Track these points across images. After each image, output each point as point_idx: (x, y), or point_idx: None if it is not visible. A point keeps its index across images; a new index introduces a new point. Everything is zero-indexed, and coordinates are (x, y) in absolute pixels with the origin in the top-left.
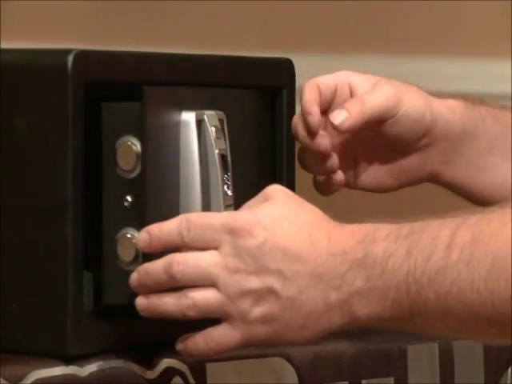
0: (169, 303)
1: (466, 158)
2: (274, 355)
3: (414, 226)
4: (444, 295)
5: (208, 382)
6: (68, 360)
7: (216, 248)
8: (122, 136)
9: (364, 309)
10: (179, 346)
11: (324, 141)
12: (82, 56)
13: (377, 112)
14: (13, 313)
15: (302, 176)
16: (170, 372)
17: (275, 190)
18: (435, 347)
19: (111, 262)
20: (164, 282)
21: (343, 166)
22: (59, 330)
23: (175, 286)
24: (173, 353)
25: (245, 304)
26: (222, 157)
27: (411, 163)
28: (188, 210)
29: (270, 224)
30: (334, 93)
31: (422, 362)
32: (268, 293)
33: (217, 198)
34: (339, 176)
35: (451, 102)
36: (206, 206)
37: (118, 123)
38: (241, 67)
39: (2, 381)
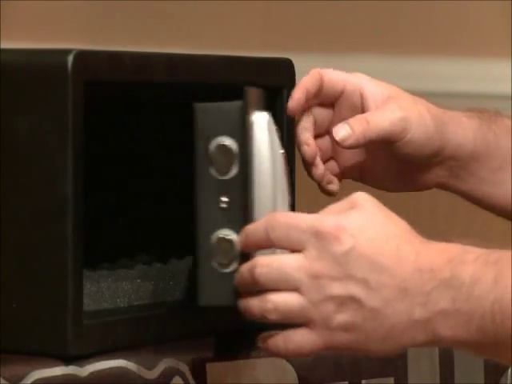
0: (252, 305)
1: (477, 175)
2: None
3: (503, 254)
4: None
5: (208, 382)
6: (68, 360)
7: (301, 250)
8: (216, 136)
9: (448, 330)
10: (260, 343)
11: (310, 150)
12: (82, 56)
13: (380, 136)
14: (13, 313)
15: (302, 175)
16: (169, 372)
17: (363, 198)
18: (435, 348)
19: (206, 264)
20: (249, 284)
21: (346, 169)
22: (59, 330)
23: (259, 288)
24: (173, 353)
25: (327, 309)
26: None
27: (418, 174)
28: (262, 209)
29: (357, 231)
30: (340, 92)
31: (421, 362)
32: (351, 301)
33: (283, 198)
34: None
35: (464, 122)
36: (275, 206)
37: (213, 124)
38: (241, 67)
39: (2, 381)
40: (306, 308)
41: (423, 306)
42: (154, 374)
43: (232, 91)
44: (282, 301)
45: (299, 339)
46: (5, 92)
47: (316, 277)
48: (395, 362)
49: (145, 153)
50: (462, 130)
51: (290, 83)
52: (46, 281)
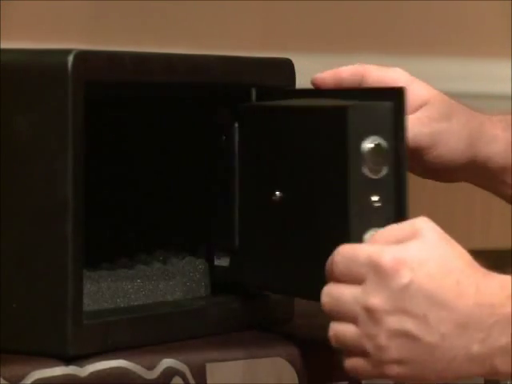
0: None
1: (507, 183)
2: (273, 355)
3: None
4: None
5: (208, 382)
6: (68, 360)
7: (361, 283)
8: (368, 136)
9: (506, 366)
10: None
11: None
12: (82, 56)
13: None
14: (13, 313)
15: None
16: (169, 372)
17: (426, 227)
18: None
19: None
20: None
21: None
22: (59, 330)
23: (328, 316)
24: (173, 353)
25: (381, 343)
26: None
27: (447, 175)
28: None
29: (417, 265)
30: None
31: None
32: (406, 336)
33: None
34: None
35: (499, 135)
36: None
37: (365, 123)
38: (241, 67)
39: (2, 381)
40: (361, 339)
41: (482, 342)
42: (154, 373)
43: (232, 91)
44: (339, 329)
45: (353, 364)
46: (5, 92)
47: (371, 311)
48: None
49: (145, 152)
50: (495, 143)
51: (290, 83)
52: (46, 281)
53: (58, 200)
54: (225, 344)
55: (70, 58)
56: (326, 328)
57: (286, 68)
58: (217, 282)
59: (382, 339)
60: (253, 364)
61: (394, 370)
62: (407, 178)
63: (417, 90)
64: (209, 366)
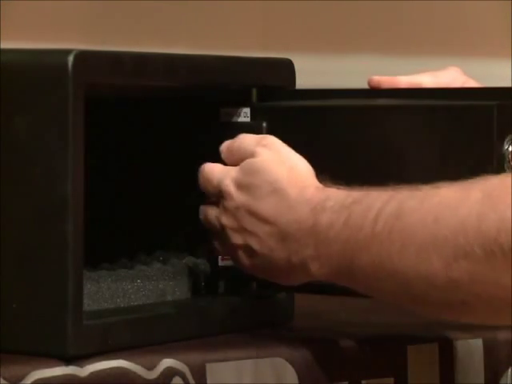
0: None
1: None
2: (274, 355)
3: (358, 196)
4: (371, 263)
5: (208, 382)
6: (68, 360)
7: (216, 202)
8: (509, 135)
9: (317, 271)
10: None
11: None
12: (82, 56)
13: None
14: (13, 313)
15: None
16: (169, 372)
17: (268, 151)
18: (435, 347)
19: None
20: None
21: None
22: (59, 330)
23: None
24: (173, 353)
25: (234, 255)
26: None
27: None
28: None
29: (246, 189)
30: None
31: (422, 362)
32: (248, 250)
33: None
34: None
35: None
36: None
37: (507, 123)
38: (241, 67)
39: (2, 381)
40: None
41: (296, 253)
42: (153, 374)
43: (232, 91)
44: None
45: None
46: (5, 92)
47: (223, 228)
48: (395, 362)
49: (145, 152)
50: None
51: (290, 83)
52: (46, 281)
53: (57, 200)
54: (225, 344)
55: (70, 58)
56: (326, 329)
57: (286, 68)
58: (220, 282)
59: (233, 253)
60: (253, 364)
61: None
62: None
63: None
64: (209, 366)
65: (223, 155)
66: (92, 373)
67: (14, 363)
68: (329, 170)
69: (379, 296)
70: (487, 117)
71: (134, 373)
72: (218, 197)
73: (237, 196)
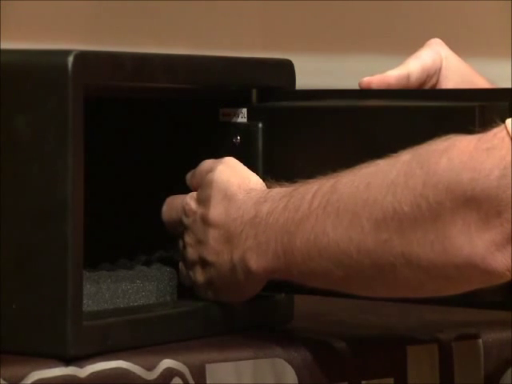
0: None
1: None
2: (274, 356)
3: (299, 185)
4: (306, 241)
5: (207, 382)
6: (68, 361)
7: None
8: None
9: (255, 264)
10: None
11: None
12: (82, 57)
13: None
14: (13, 313)
15: None
16: (169, 373)
17: (216, 178)
18: (435, 347)
19: None
20: None
21: None
22: (59, 331)
23: None
24: (172, 354)
25: (192, 273)
26: None
27: None
28: None
29: (202, 204)
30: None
31: (421, 361)
32: (202, 262)
33: None
34: None
35: None
36: None
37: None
38: (241, 67)
39: (2, 381)
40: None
41: (237, 249)
42: (153, 374)
43: (232, 92)
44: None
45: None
46: (5, 92)
47: (186, 245)
48: (395, 362)
49: (145, 153)
50: None
51: (290, 83)
52: (46, 281)
53: (57, 200)
54: (225, 344)
55: (70, 59)
56: (326, 329)
57: (286, 68)
58: None
59: (191, 270)
60: (252, 365)
61: (205, 291)
62: None
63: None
64: (208, 367)
65: (188, 182)
66: (92, 373)
67: (13, 363)
68: (326, 170)
69: (312, 281)
70: (470, 118)
71: (134, 373)
72: (182, 222)
73: (196, 210)
